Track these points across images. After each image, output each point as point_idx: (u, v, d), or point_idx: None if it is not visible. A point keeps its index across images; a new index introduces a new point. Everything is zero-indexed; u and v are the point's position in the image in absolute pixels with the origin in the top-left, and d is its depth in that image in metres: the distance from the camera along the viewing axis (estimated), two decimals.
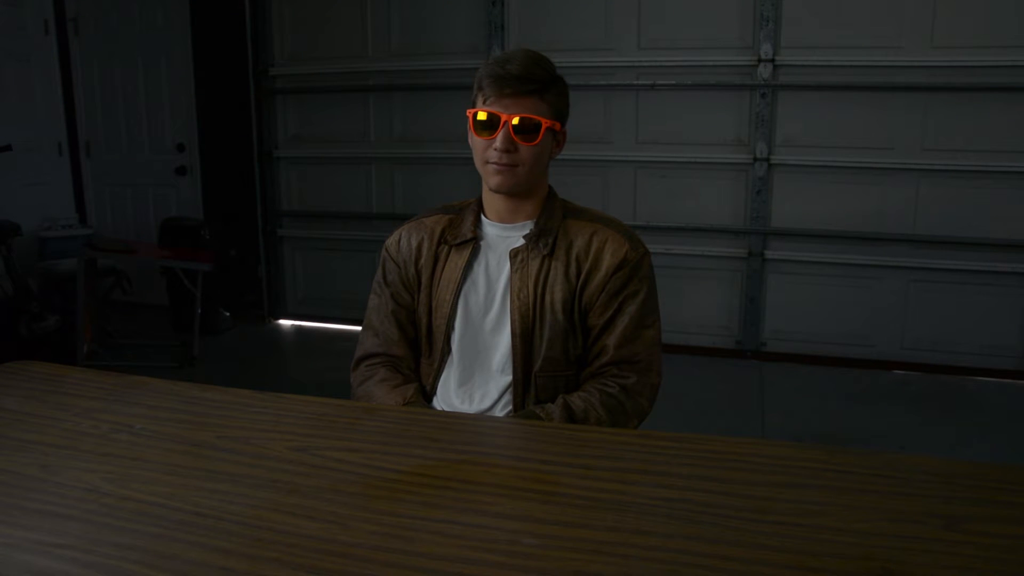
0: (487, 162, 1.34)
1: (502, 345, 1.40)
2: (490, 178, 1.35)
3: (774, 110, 3.58)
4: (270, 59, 4.27)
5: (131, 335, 4.16)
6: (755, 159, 3.63)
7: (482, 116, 1.32)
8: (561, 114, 1.37)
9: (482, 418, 1.35)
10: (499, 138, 1.31)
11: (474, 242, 1.41)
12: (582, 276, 1.36)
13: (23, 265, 3.85)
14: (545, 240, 1.38)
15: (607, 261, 1.35)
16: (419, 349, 1.48)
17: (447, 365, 1.44)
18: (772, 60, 3.52)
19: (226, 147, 4.56)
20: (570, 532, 0.88)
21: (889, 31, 3.39)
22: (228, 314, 4.39)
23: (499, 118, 1.30)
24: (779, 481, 0.99)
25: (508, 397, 1.40)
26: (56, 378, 1.41)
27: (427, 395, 1.45)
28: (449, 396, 1.43)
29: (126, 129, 4.76)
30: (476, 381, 1.42)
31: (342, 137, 4.26)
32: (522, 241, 1.39)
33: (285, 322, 4.54)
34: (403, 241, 1.47)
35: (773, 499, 0.94)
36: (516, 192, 1.37)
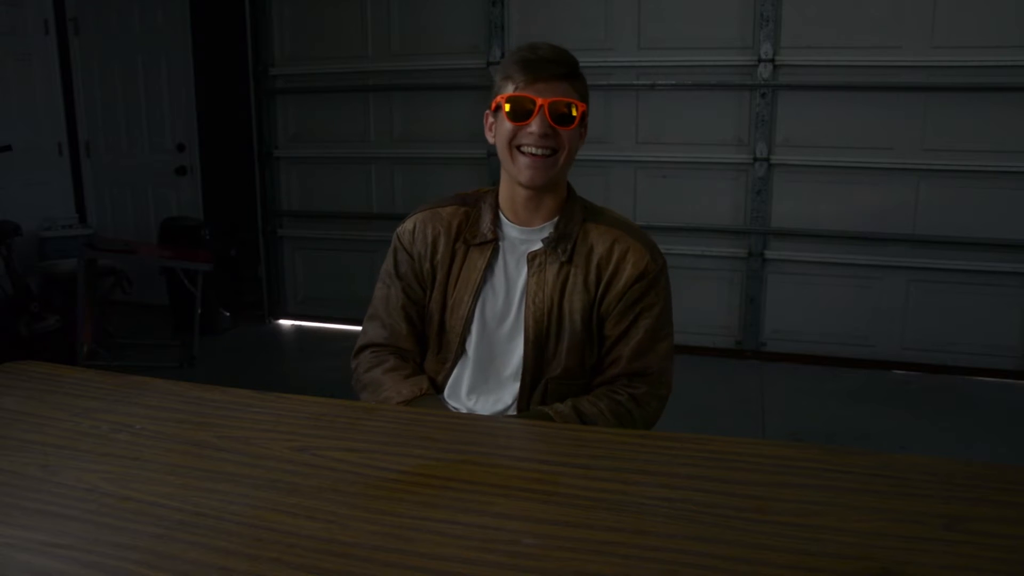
0: (519, 150, 1.28)
1: (517, 352, 1.37)
2: (522, 172, 1.29)
3: (774, 110, 3.58)
4: (270, 59, 4.27)
5: (131, 335, 4.16)
6: (755, 159, 3.63)
7: (515, 101, 1.27)
8: (587, 103, 1.34)
9: (482, 418, 1.35)
10: (535, 122, 1.26)
11: (495, 243, 1.37)
12: (602, 285, 1.33)
13: (23, 265, 3.86)
14: (564, 246, 1.34)
15: (627, 272, 1.33)
16: (426, 344, 1.45)
17: (459, 365, 1.41)
18: (772, 60, 3.52)
19: (226, 147, 4.56)
20: (570, 532, 0.88)
21: (889, 31, 3.39)
22: (228, 314, 4.40)
23: (534, 102, 1.26)
24: (779, 481, 0.99)
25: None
26: (56, 378, 1.41)
27: (437, 390, 1.43)
28: (460, 397, 1.41)
29: (126, 129, 4.76)
30: (489, 386, 1.40)
31: (342, 137, 4.25)
32: (540, 244, 1.36)
33: (285, 322, 4.54)
34: (418, 232, 1.41)
35: (773, 499, 0.94)
36: (547, 186, 1.32)
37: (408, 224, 1.44)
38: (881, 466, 1.04)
